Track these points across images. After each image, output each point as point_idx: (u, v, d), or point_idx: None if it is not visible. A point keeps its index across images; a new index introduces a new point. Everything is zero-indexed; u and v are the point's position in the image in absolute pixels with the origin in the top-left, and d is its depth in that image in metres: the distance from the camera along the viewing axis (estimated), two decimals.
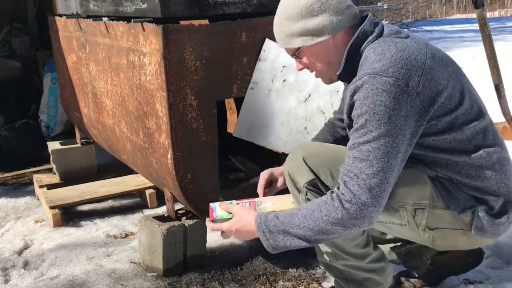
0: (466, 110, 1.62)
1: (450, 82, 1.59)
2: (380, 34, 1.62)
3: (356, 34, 1.62)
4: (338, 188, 1.54)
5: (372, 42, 1.61)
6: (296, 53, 1.68)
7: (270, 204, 1.78)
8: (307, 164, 1.71)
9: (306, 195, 1.72)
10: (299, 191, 1.74)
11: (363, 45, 1.62)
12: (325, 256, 1.81)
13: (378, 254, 1.82)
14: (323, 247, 1.79)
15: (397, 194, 1.65)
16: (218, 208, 1.76)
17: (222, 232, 1.73)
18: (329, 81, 1.75)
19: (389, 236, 2.05)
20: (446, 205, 1.66)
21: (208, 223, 1.76)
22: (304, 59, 1.69)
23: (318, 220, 1.53)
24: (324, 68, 1.70)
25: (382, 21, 1.71)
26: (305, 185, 1.71)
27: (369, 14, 1.67)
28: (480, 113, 1.66)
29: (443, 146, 1.62)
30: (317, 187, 1.71)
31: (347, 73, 1.64)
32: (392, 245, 2.08)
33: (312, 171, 1.71)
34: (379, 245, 1.89)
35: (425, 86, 1.52)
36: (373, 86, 1.49)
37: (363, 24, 1.63)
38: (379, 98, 1.48)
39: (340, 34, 1.63)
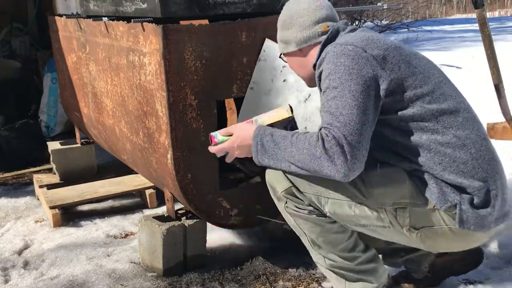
0: (433, 93, 1.65)
1: (418, 68, 1.66)
2: (353, 31, 1.76)
3: (329, 31, 1.76)
4: (325, 133, 1.58)
5: (342, 35, 1.74)
6: (281, 55, 1.92)
7: (267, 118, 1.84)
8: (283, 172, 1.75)
9: (286, 203, 1.78)
10: (278, 199, 1.80)
11: (336, 40, 1.74)
12: (317, 258, 1.85)
13: (368, 255, 1.82)
14: (312, 252, 1.84)
15: (374, 195, 1.67)
16: (218, 134, 1.83)
17: (227, 155, 1.82)
18: (307, 84, 1.92)
19: (395, 246, 2.03)
20: (428, 201, 1.65)
21: (210, 148, 1.84)
22: (287, 61, 1.90)
23: (300, 150, 1.61)
24: (300, 73, 1.89)
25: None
26: (282, 193, 1.77)
27: (344, 19, 1.83)
28: (453, 99, 1.68)
29: (411, 128, 1.64)
30: (294, 195, 1.76)
31: None
32: (388, 252, 2.07)
33: (289, 179, 1.76)
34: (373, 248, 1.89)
35: (385, 59, 1.61)
36: (334, 52, 1.63)
37: (336, 23, 1.78)
38: (339, 60, 1.60)
39: (307, 48, 1.80)
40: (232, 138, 1.79)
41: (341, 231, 1.78)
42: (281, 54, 1.91)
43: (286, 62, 1.91)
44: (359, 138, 1.54)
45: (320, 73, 1.66)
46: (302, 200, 1.76)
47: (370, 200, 1.68)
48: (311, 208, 1.76)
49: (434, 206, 1.65)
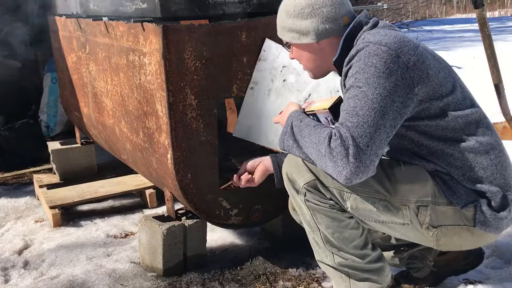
0: (458, 100, 1.65)
1: (441, 73, 1.64)
2: (375, 26, 1.70)
3: (352, 24, 1.70)
4: (334, 132, 1.56)
5: (368, 31, 1.67)
6: (286, 44, 1.82)
7: (317, 104, 1.82)
8: (306, 165, 1.71)
9: (305, 196, 1.72)
10: (297, 192, 1.74)
11: (359, 34, 1.68)
12: (323, 257, 1.81)
13: (376, 254, 1.81)
14: (321, 248, 1.79)
15: (399, 191, 1.66)
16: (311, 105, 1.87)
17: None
18: (312, 76, 1.85)
19: (392, 242, 2.04)
20: (448, 201, 1.66)
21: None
22: (293, 52, 1.81)
23: (311, 143, 1.60)
24: (308, 66, 1.81)
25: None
26: (305, 186, 1.71)
27: (365, 10, 1.74)
28: (472, 106, 1.69)
29: (436, 134, 1.64)
30: (317, 188, 1.70)
31: (343, 60, 1.68)
32: (394, 250, 2.08)
33: (312, 172, 1.70)
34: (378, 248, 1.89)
35: (416, 66, 1.57)
36: (366, 51, 1.57)
37: (358, 16, 1.71)
38: (371, 60, 1.55)
39: (326, 41, 1.72)
40: (282, 114, 1.82)
41: (355, 227, 1.75)
42: (286, 43, 1.82)
43: (289, 50, 1.82)
44: (369, 142, 1.50)
45: (348, 70, 1.61)
46: (323, 194, 1.71)
47: (394, 197, 1.66)
48: (332, 202, 1.72)
49: (454, 206, 1.66)
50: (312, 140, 1.59)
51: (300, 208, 1.77)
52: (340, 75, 1.71)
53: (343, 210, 1.73)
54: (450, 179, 1.66)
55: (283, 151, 1.78)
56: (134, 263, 2.42)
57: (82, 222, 2.96)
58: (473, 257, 2.04)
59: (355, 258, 1.76)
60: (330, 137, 1.53)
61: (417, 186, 1.67)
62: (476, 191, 1.66)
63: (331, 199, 1.71)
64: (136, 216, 2.99)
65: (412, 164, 1.69)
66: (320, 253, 1.81)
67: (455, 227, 1.69)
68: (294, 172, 1.74)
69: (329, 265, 1.81)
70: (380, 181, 1.66)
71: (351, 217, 1.74)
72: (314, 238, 1.80)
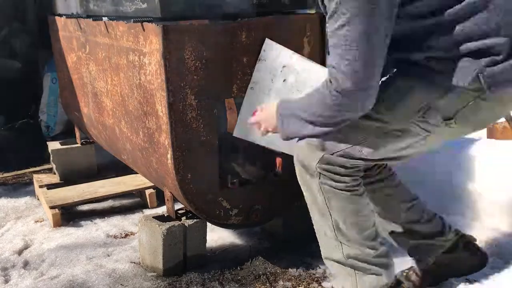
0: None
1: None
2: None
3: None
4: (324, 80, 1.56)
5: None
6: None
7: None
8: (314, 147, 1.71)
9: (320, 178, 1.71)
10: (311, 175, 1.73)
11: None
12: (330, 250, 1.79)
13: (385, 249, 1.82)
14: (330, 239, 1.78)
15: (397, 116, 1.64)
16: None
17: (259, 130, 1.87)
18: None
19: (413, 227, 2.02)
20: (448, 87, 1.56)
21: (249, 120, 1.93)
22: None
23: (315, 104, 1.60)
24: None
25: None
26: (318, 165, 1.70)
27: None
28: None
29: (429, 10, 1.53)
30: (330, 163, 1.68)
31: None
32: (403, 231, 2.04)
33: (319, 149, 1.70)
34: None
35: None
36: None
37: None
38: None
39: None
40: (257, 113, 1.83)
41: (368, 215, 1.74)
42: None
43: None
44: (371, 68, 1.47)
45: None
46: (337, 172, 1.69)
47: (395, 123, 1.64)
48: (347, 179, 1.70)
49: (457, 87, 1.56)
50: (311, 101, 1.60)
51: (314, 192, 1.75)
52: None
53: (357, 194, 1.72)
54: (444, 62, 1.55)
55: (283, 153, 1.78)
56: (134, 263, 2.42)
57: (82, 222, 2.96)
58: (477, 260, 2.04)
59: (365, 249, 1.75)
60: (330, 90, 1.53)
61: (409, 98, 1.62)
62: (478, 52, 1.51)
63: (346, 176, 1.70)
64: (136, 216, 2.98)
65: (392, 82, 1.64)
66: (328, 246, 1.79)
67: (468, 105, 1.58)
68: (304, 157, 1.74)
69: (335, 261, 1.79)
70: (375, 119, 1.64)
71: (366, 204, 1.74)
72: (322, 227, 1.78)
